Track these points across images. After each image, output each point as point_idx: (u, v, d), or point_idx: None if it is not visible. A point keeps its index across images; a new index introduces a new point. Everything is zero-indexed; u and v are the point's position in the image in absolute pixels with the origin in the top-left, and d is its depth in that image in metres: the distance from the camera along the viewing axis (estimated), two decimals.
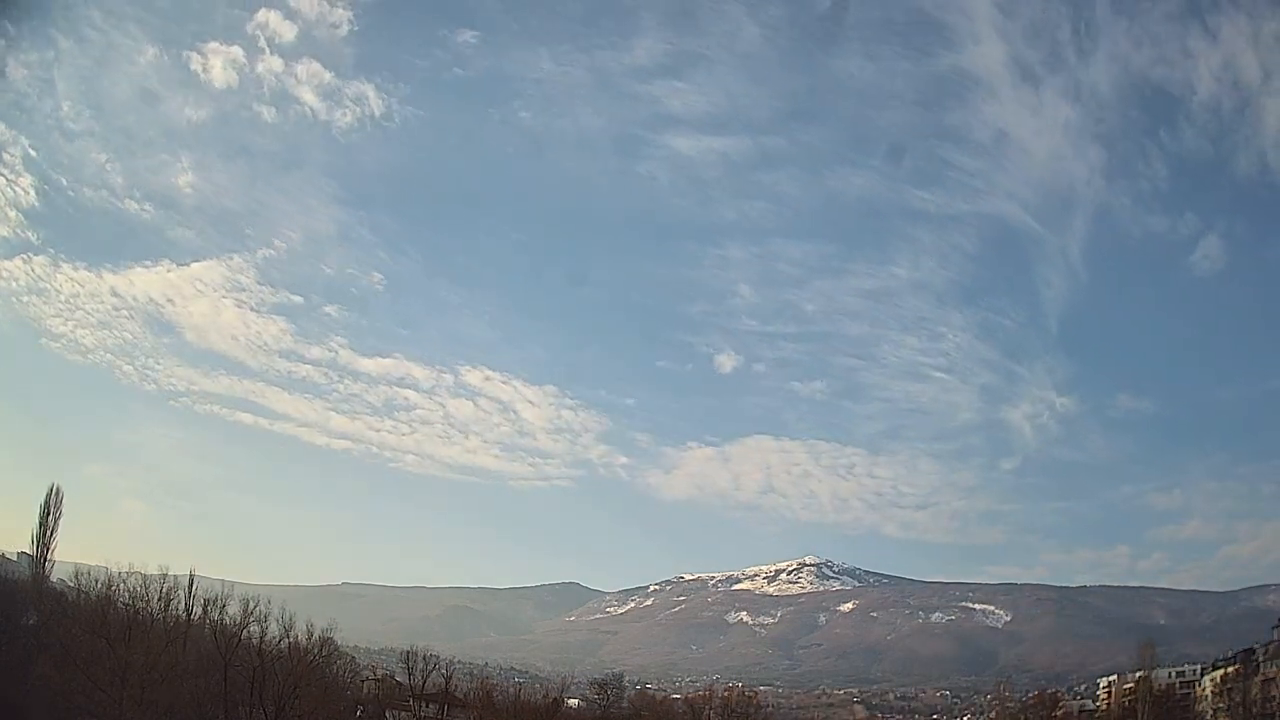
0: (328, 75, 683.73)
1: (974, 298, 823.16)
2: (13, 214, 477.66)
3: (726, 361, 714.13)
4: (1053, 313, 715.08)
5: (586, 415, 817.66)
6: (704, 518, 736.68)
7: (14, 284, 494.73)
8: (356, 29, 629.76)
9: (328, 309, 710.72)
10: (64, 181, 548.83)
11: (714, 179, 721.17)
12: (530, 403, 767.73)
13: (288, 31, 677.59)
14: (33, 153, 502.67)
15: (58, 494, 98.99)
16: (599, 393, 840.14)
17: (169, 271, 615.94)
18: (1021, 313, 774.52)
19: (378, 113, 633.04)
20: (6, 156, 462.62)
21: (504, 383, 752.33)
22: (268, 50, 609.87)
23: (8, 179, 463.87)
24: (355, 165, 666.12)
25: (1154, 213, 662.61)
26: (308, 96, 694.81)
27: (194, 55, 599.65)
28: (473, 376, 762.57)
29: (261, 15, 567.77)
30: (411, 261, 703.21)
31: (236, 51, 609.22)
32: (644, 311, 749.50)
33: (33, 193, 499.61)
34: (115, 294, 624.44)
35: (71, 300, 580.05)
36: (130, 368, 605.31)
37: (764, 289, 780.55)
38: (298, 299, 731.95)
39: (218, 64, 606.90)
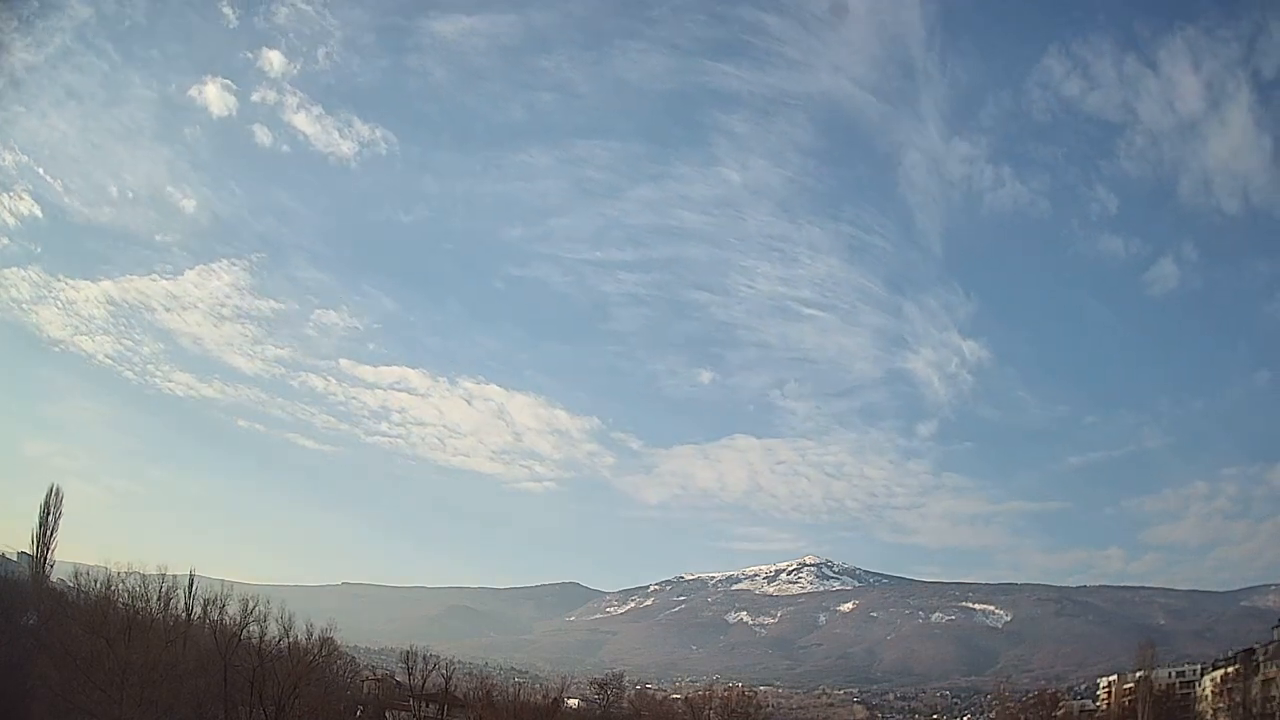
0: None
1: (829, 208, 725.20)
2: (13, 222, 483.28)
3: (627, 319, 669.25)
4: (931, 229, 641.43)
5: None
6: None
7: (14, 292, 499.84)
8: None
9: (326, 314, 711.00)
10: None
11: (491, 68, 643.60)
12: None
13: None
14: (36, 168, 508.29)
15: (58, 494, 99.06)
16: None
17: (168, 278, 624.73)
18: (893, 229, 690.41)
19: None
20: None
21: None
22: (263, 83, 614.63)
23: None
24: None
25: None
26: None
27: (194, 86, 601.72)
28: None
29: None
30: None
31: (231, 84, 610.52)
32: (467, 239, 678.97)
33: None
34: (111, 301, 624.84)
35: (69, 307, 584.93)
36: (130, 372, 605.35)
37: (580, 202, 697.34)
38: (294, 304, 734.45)
39: (214, 91, 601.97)
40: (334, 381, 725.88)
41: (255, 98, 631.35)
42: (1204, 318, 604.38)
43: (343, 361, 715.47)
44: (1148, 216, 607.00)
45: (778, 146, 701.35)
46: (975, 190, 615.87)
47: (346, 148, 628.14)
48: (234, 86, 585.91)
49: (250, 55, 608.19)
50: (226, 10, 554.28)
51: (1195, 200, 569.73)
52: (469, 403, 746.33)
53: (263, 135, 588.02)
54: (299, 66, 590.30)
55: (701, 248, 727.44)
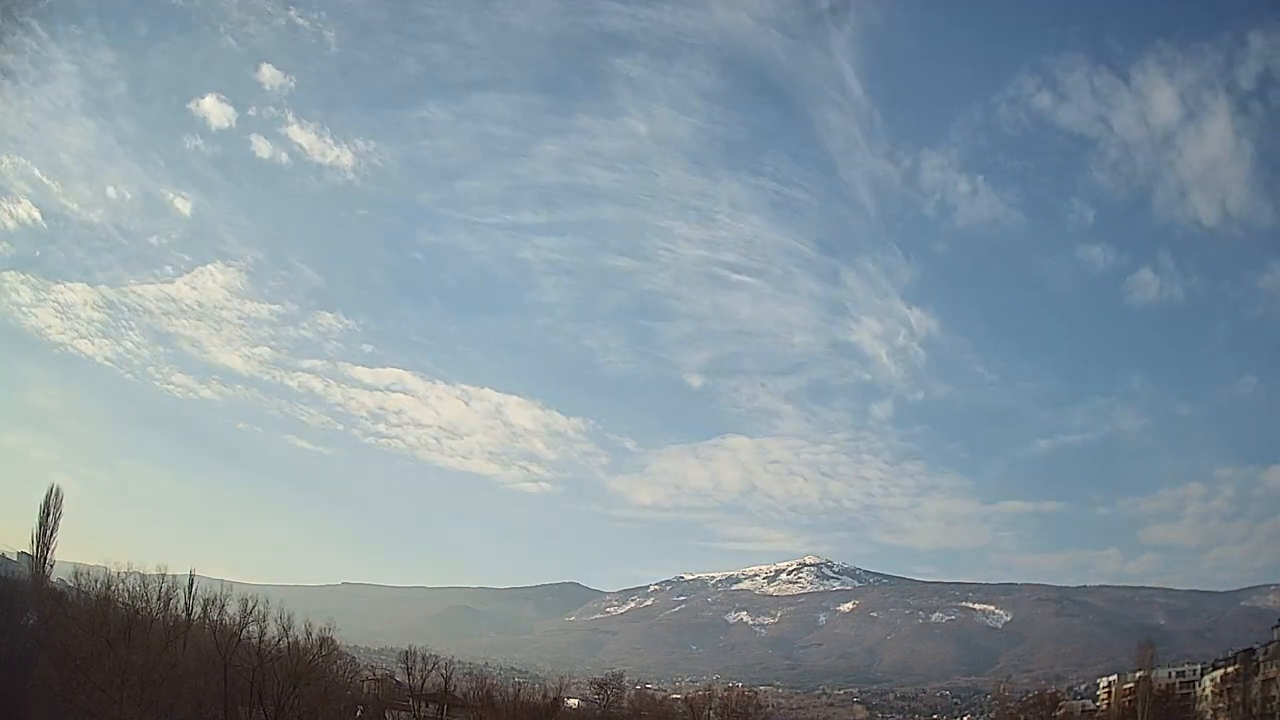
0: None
1: (746, 161, 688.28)
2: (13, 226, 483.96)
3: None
4: (859, 180, 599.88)
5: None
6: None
7: (14, 296, 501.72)
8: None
9: (326, 317, 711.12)
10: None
11: (380, 21, 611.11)
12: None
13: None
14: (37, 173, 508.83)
15: (57, 494, 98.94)
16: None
17: (166, 282, 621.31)
18: (817, 181, 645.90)
19: None
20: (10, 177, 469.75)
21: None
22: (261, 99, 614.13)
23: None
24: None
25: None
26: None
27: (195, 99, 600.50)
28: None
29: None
30: None
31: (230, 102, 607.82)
32: (381, 205, 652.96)
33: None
34: (110, 304, 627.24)
35: (68, 310, 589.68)
36: (130, 374, 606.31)
37: (486, 162, 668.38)
38: (294, 307, 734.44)
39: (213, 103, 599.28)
40: (332, 383, 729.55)
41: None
42: (1184, 326, 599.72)
43: (340, 364, 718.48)
44: (1125, 228, 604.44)
45: (680, 92, 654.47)
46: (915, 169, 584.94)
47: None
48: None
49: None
50: None
51: (1172, 212, 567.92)
52: (466, 404, 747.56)
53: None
54: None
55: (615, 208, 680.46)
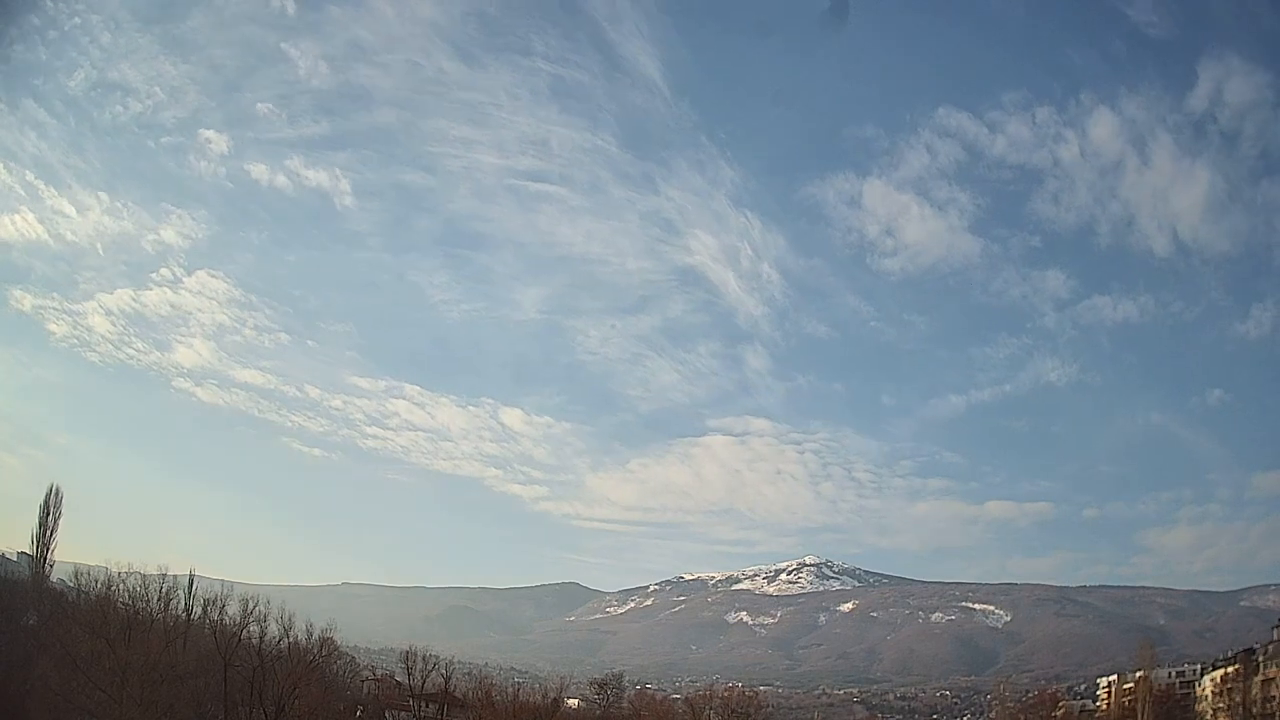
0: None
1: (513, 41, 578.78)
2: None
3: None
4: (644, 55, 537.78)
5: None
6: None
7: (21, 304, 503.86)
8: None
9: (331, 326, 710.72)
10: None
11: None
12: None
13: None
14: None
15: (57, 494, 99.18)
16: None
17: (167, 287, 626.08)
18: (594, 60, 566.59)
19: None
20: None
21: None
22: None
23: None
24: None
25: None
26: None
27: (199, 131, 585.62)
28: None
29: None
30: None
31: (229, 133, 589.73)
32: (149, 126, 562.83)
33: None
34: (114, 311, 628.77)
35: (75, 318, 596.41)
36: (131, 379, 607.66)
37: (249, 67, 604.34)
38: (290, 310, 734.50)
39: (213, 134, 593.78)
40: (330, 389, 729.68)
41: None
42: (1144, 348, 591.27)
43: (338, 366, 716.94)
44: (1074, 258, 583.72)
45: None
46: None
47: None
48: None
49: None
50: None
51: (1123, 241, 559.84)
52: (463, 408, 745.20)
53: None
54: None
55: (391, 111, 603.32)
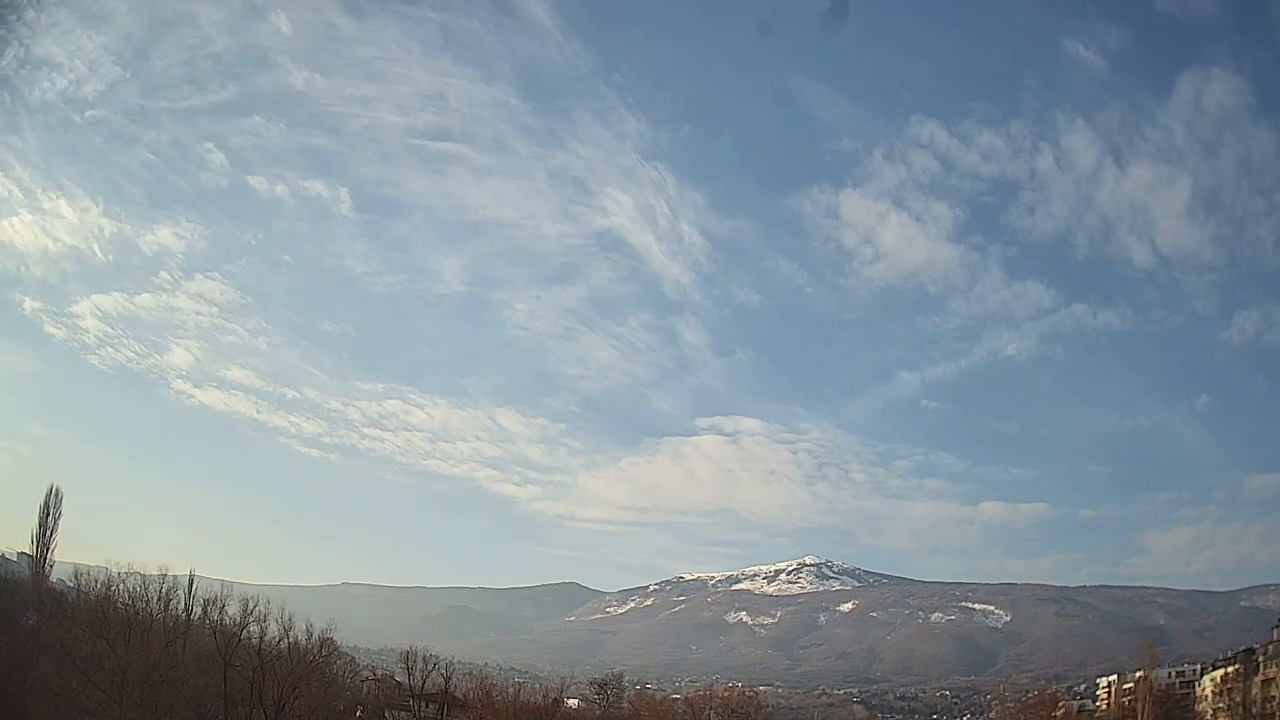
0: None
1: None
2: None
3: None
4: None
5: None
6: None
7: (20, 307, 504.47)
8: None
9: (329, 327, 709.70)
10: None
11: None
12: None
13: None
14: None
15: (57, 494, 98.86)
16: None
17: (166, 291, 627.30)
18: (481, 3, 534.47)
19: None
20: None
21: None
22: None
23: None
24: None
25: None
26: None
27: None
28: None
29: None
30: None
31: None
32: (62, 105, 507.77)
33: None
34: (112, 314, 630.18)
35: (72, 320, 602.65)
36: (131, 381, 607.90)
37: (150, 37, 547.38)
38: (291, 312, 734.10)
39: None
40: (329, 391, 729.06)
41: None
42: (1127, 355, 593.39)
43: (336, 367, 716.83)
44: (1054, 269, 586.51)
45: None
46: None
47: None
48: None
49: None
50: None
51: (1102, 251, 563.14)
52: (460, 409, 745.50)
53: None
54: None
55: (297, 72, 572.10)
